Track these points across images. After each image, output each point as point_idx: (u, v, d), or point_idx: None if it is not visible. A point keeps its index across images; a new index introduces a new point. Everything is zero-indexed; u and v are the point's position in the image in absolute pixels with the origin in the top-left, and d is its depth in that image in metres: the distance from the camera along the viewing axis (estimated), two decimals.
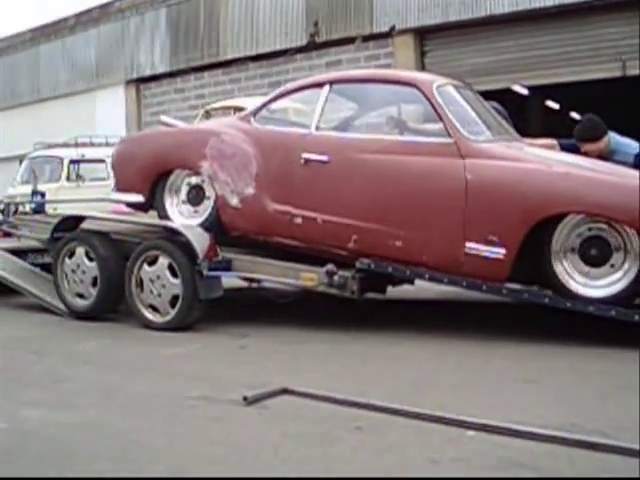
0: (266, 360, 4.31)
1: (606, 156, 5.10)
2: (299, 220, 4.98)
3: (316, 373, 3.93)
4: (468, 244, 4.43)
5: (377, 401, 3.22)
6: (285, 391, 3.48)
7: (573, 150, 5.28)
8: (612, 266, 4.25)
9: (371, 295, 5.11)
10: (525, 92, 13.82)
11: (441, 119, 4.69)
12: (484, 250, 4.39)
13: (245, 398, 3.34)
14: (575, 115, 18.94)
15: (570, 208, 4.26)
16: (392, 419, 3.08)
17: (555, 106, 17.13)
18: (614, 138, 5.18)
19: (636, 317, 4.13)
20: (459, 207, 4.47)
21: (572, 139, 5.41)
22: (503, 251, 4.35)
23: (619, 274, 4.23)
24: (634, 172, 4.49)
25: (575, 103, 16.38)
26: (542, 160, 4.51)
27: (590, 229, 4.29)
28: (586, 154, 5.10)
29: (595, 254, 4.27)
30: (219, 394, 3.52)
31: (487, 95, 6.20)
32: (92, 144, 11.93)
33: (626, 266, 4.21)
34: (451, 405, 3.16)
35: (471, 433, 2.88)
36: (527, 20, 11.06)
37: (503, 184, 4.39)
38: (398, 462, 2.62)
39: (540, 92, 14.26)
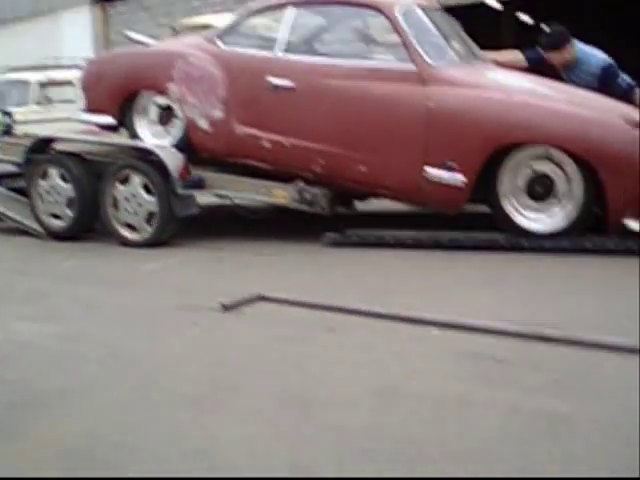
0: (242, 271, 4.49)
1: (572, 66, 5.18)
2: (267, 143, 5.08)
3: (290, 281, 4.12)
4: (429, 170, 4.57)
5: (348, 304, 3.42)
6: (261, 298, 3.66)
7: (538, 60, 5.38)
8: (558, 198, 4.40)
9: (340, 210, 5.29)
10: (498, 7, 13.76)
11: (404, 44, 4.75)
12: (444, 176, 4.53)
13: (223, 305, 3.52)
14: (546, 28, 18.89)
15: (526, 137, 4.38)
16: (362, 320, 3.28)
17: (528, 20, 17.05)
18: (580, 48, 5.24)
19: (588, 245, 4.32)
20: (420, 133, 4.58)
21: (535, 48, 5.47)
22: (462, 177, 4.49)
23: (566, 205, 4.39)
24: (592, 100, 4.61)
25: (549, 15, 16.32)
26: (502, 88, 4.62)
27: (534, 167, 4.42)
28: (552, 64, 5.19)
29: (541, 190, 4.42)
30: (198, 303, 3.69)
31: (453, 10, 6.23)
32: (59, 66, 11.74)
33: (571, 198, 4.36)
34: (417, 306, 3.37)
35: (435, 331, 3.09)
36: None
37: (463, 112, 4.50)
38: (367, 357, 2.83)
39: (512, 5, 14.18)
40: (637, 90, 5.09)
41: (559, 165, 4.38)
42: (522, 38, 15.55)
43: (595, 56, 5.19)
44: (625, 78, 5.15)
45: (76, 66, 10.96)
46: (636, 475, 1.63)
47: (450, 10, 6.04)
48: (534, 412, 2.30)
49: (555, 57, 5.19)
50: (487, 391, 2.48)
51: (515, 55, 5.53)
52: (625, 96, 5.00)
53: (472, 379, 2.58)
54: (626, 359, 2.70)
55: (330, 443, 2.16)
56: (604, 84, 5.06)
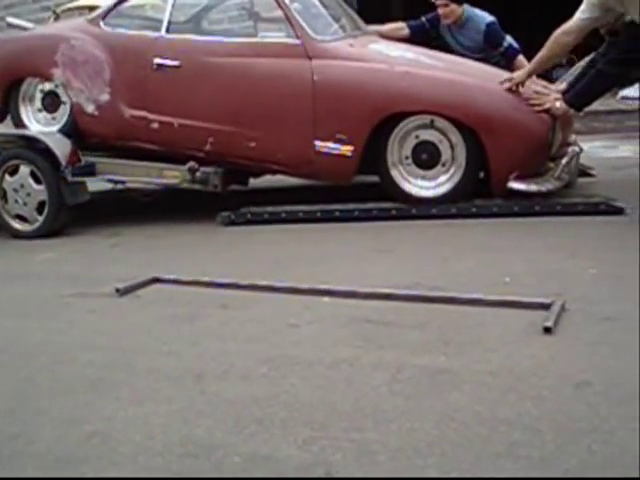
0: (137, 255, 4.48)
1: (460, 24, 5.40)
2: (156, 125, 5.04)
3: (186, 262, 4.13)
4: (318, 142, 4.64)
5: (241, 280, 3.47)
6: (155, 280, 3.67)
7: (422, 30, 5.58)
8: (444, 165, 4.56)
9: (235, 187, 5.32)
10: None
11: (288, 20, 4.79)
12: (333, 148, 4.61)
13: (117, 290, 3.52)
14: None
15: (409, 107, 4.50)
16: (254, 295, 3.35)
17: None
18: (467, 8, 5.46)
19: (473, 209, 4.50)
20: (308, 107, 4.64)
21: (419, 20, 5.65)
22: (350, 148, 4.58)
23: (451, 171, 4.55)
24: (473, 68, 4.81)
25: None
26: (385, 59, 4.73)
27: (419, 135, 4.55)
28: (444, 17, 5.39)
29: (427, 157, 4.56)
30: (93, 289, 3.67)
31: None
32: None
33: (456, 163, 4.52)
34: (311, 278, 3.45)
35: (327, 299, 3.18)
36: None
37: (348, 84, 4.59)
38: (260, 330, 2.91)
39: None
40: (520, 56, 5.34)
41: (443, 132, 4.53)
42: (411, 11, 15.85)
43: (482, 14, 5.44)
44: (512, 42, 5.40)
45: None
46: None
47: None
48: (420, 369, 2.42)
49: (446, 10, 5.36)
50: (375, 353, 2.59)
51: (398, 26, 5.69)
52: (507, 56, 5.33)
53: (361, 342, 2.68)
54: (504, 314, 2.86)
55: (224, 414, 2.22)
56: (488, 41, 5.34)
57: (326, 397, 2.29)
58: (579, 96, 4.53)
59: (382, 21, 5.89)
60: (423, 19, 5.64)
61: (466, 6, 5.43)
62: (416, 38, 5.66)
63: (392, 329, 2.80)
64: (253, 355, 2.64)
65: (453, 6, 5.35)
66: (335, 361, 2.53)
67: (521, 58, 5.31)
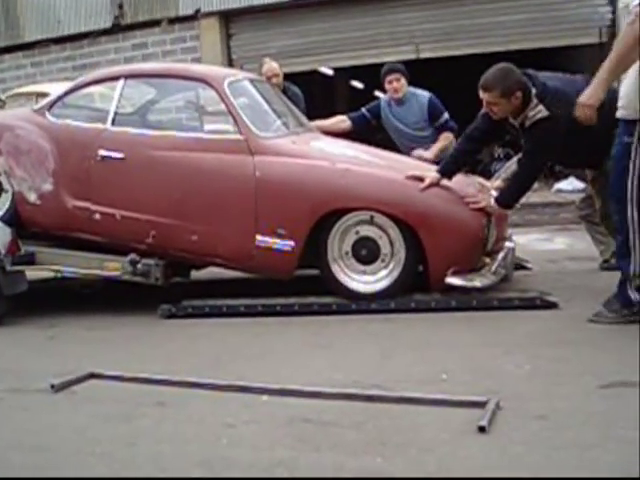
0: (75, 348, 4.39)
1: (402, 99, 5.74)
2: (98, 216, 5.05)
3: (124, 355, 4.08)
4: (259, 237, 4.70)
5: (179, 377, 3.44)
6: (92, 375, 3.60)
7: (363, 122, 5.90)
8: (383, 260, 4.65)
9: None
10: (330, 73, 14.41)
11: (232, 116, 4.89)
12: (273, 243, 4.68)
13: (52, 386, 3.44)
14: (379, 93, 19.89)
15: (349, 203, 4.61)
16: (193, 392, 3.31)
17: (360, 85, 17.92)
18: (410, 89, 5.80)
19: (412, 304, 4.59)
20: (250, 203, 4.72)
21: (359, 112, 5.90)
22: (291, 243, 4.65)
23: (391, 266, 4.63)
24: (410, 166, 4.99)
25: (377, 83, 17.19)
26: (326, 156, 4.86)
27: (359, 231, 4.65)
28: (395, 92, 5.72)
29: (367, 253, 4.65)
30: (27, 385, 3.59)
31: (290, 77, 6.54)
32: None
33: (395, 259, 4.62)
34: (249, 375, 3.44)
35: (265, 397, 3.17)
36: (329, 4, 11.54)
37: (289, 181, 4.69)
38: (196, 430, 2.86)
39: (345, 73, 14.89)
40: (448, 132, 5.59)
41: (383, 228, 4.63)
42: (356, 100, 16.37)
43: (420, 91, 5.83)
44: (448, 118, 5.77)
45: None
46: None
47: (288, 77, 6.35)
48: (357, 472, 2.41)
49: (398, 85, 5.68)
50: (313, 454, 2.57)
51: (340, 119, 5.91)
52: (442, 129, 5.70)
53: (299, 443, 2.67)
54: (441, 412, 2.89)
55: None
56: (431, 113, 5.71)
57: None
58: (507, 194, 4.72)
59: (327, 115, 6.11)
60: (363, 110, 5.95)
61: (409, 88, 5.81)
62: (358, 129, 5.90)
63: (330, 429, 2.79)
64: (189, 457, 2.60)
65: (403, 81, 5.72)
66: (272, 464, 2.51)
67: (447, 134, 5.64)
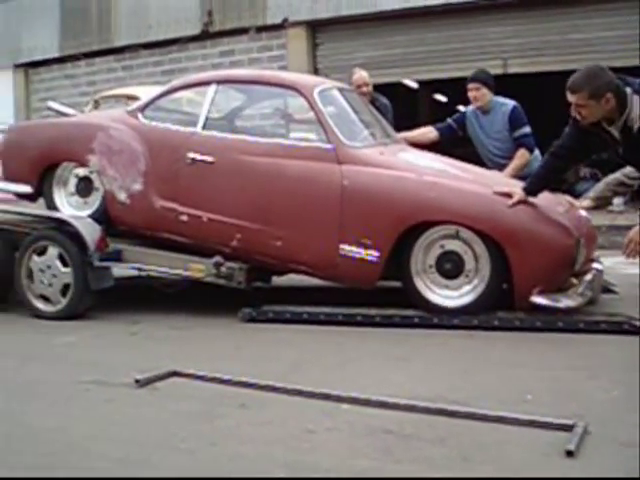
0: (157, 345, 4.48)
1: (487, 109, 5.62)
2: (185, 217, 5.13)
3: (205, 356, 4.13)
4: (343, 246, 4.70)
5: (260, 380, 3.46)
6: (174, 373, 3.67)
7: (449, 131, 5.80)
8: (467, 276, 4.58)
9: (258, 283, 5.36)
10: (415, 86, 14.35)
11: (321, 124, 4.92)
12: (358, 252, 4.66)
13: (137, 381, 3.52)
14: (461, 108, 19.72)
15: (436, 216, 4.57)
16: (274, 396, 3.32)
17: (443, 99, 17.80)
18: (495, 97, 5.68)
19: (495, 322, 4.51)
20: (335, 211, 4.72)
21: (446, 122, 5.84)
22: (375, 254, 4.63)
23: (475, 282, 4.57)
24: (498, 180, 4.91)
25: (462, 97, 17.03)
26: (414, 168, 4.83)
27: (444, 245, 4.60)
28: (474, 100, 5.62)
29: (451, 267, 4.59)
30: (111, 378, 3.67)
31: (377, 88, 6.54)
32: None
33: (480, 275, 4.55)
34: (330, 382, 3.43)
35: (345, 406, 3.16)
36: (416, 16, 11.51)
37: (376, 191, 4.67)
38: (278, 433, 2.88)
39: (429, 86, 14.82)
40: (523, 150, 5.49)
41: (468, 243, 4.57)
42: (438, 114, 16.26)
43: (506, 100, 5.69)
44: (528, 132, 5.57)
45: None
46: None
47: (374, 88, 6.36)
48: None
49: (478, 94, 5.57)
50: (394, 466, 2.55)
51: (427, 130, 5.86)
52: (517, 143, 5.52)
53: (380, 454, 2.65)
54: (525, 433, 2.82)
55: None
56: (511, 122, 5.55)
57: None
58: None
59: (410, 128, 6.08)
60: (449, 120, 5.88)
61: (495, 98, 5.68)
62: (445, 139, 5.85)
63: (412, 442, 2.76)
64: (271, 459, 2.61)
65: (484, 90, 5.60)
66: (352, 471, 2.50)
67: (523, 151, 5.47)
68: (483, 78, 5.70)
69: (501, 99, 5.70)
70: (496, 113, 5.62)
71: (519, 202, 4.52)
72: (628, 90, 4.09)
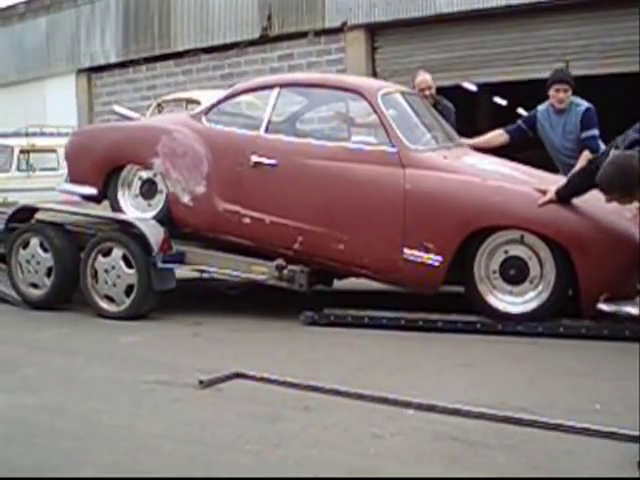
0: (219, 346, 4.52)
1: (565, 108, 5.47)
2: (247, 220, 5.17)
3: (267, 358, 4.15)
4: (406, 250, 4.67)
5: (324, 384, 3.46)
6: (238, 375, 3.70)
7: (520, 133, 5.68)
8: (532, 282, 4.51)
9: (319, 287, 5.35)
10: (474, 89, 14.20)
11: (384, 128, 4.90)
12: (421, 256, 4.63)
13: (201, 382, 3.56)
14: (522, 111, 19.46)
15: (500, 221, 4.51)
16: (338, 400, 3.33)
17: (502, 102, 17.58)
18: (572, 98, 5.54)
19: (561, 329, 4.43)
20: (398, 215, 4.70)
21: (516, 124, 5.76)
22: (439, 258, 4.60)
23: (539, 289, 4.49)
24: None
25: (521, 100, 16.81)
26: (478, 172, 4.77)
27: (508, 250, 4.54)
28: (560, 102, 5.45)
29: (515, 273, 4.52)
30: (176, 378, 3.72)
31: (438, 91, 6.49)
32: (43, 133, 11.88)
33: (545, 281, 4.47)
34: (393, 387, 3.42)
35: (410, 411, 3.14)
36: (476, 19, 11.36)
37: (440, 195, 4.64)
38: (343, 437, 2.87)
39: (488, 89, 14.66)
40: (587, 152, 5.30)
41: (532, 248, 4.50)
42: (498, 118, 16.08)
43: (581, 101, 5.54)
44: (596, 135, 5.40)
45: (59, 134, 11.13)
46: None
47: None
48: None
49: (564, 97, 5.45)
50: (461, 473, 2.52)
51: (497, 133, 5.78)
52: (583, 144, 5.35)
53: (447, 461, 2.62)
54: (595, 443, 2.76)
55: None
56: (582, 122, 5.41)
57: None
58: None
59: (469, 131, 6.00)
60: (519, 122, 5.78)
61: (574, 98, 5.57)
62: (514, 141, 5.75)
63: (478, 449, 2.73)
64: (336, 464, 2.61)
65: (570, 92, 5.48)
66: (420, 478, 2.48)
67: (586, 153, 5.31)
68: (570, 79, 5.59)
69: (577, 99, 5.59)
70: (570, 114, 5.50)
71: (549, 202, 4.42)
72: None
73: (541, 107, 5.66)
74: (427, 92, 6.04)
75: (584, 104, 5.52)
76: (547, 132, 5.58)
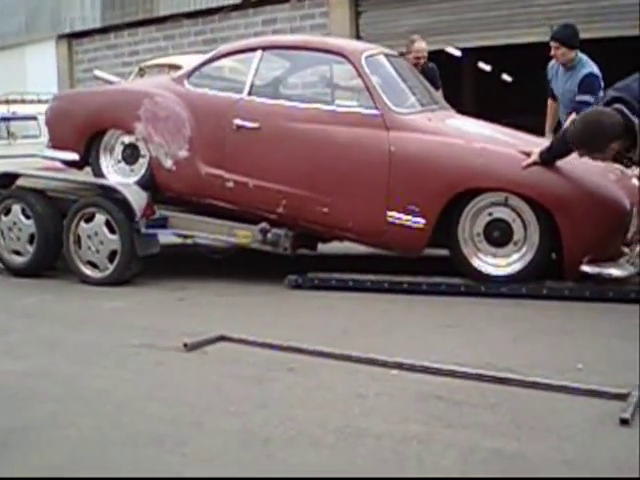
0: (204, 311, 4.51)
1: (570, 66, 5.50)
2: (231, 184, 5.14)
3: (252, 322, 4.15)
4: (390, 213, 4.67)
5: (308, 345, 3.46)
6: (223, 338, 3.70)
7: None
8: (516, 244, 4.52)
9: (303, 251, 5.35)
10: (458, 54, 14.12)
11: (368, 90, 4.86)
12: (405, 219, 4.62)
13: (185, 345, 3.55)
14: (506, 77, 19.41)
15: (484, 183, 4.51)
16: (322, 361, 3.33)
17: (487, 68, 17.52)
18: (584, 57, 5.54)
19: (544, 291, 4.45)
20: (382, 177, 4.69)
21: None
22: (422, 221, 4.59)
23: (523, 251, 4.51)
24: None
25: (505, 65, 16.77)
26: (462, 134, 4.76)
27: (491, 213, 4.54)
28: (555, 58, 5.55)
29: (498, 235, 4.54)
30: (160, 342, 3.71)
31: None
32: (23, 101, 11.72)
33: (528, 243, 4.49)
34: (377, 348, 3.41)
35: (394, 372, 3.15)
36: None
37: (424, 157, 4.62)
38: (327, 397, 2.88)
39: (473, 54, 14.58)
40: (574, 115, 5.29)
41: (517, 211, 4.50)
42: (482, 84, 16.02)
43: (591, 65, 5.51)
44: (587, 102, 5.24)
45: (40, 101, 10.98)
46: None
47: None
48: (493, 453, 2.36)
49: (558, 53, 5.49)
50: (446, 431, 2.54)
51: (549, 104, 5.91)
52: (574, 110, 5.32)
53: (431, 420, 2.64)
54: (578, 401, 2.79)
55: None
56: (579, 87, 5.44)
57: (396, 473, 2.25)
58: None
59: (453, 96, 5.99)
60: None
61: (581, 54, 5.54)
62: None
63: (463, 408, 2.74)
64: (321, 423, 2.62)
65: (564, 49, 5.48)
66: (405, 437, 2.49)
67: (574, 117, 5.27)
68: (561, 37, 5.53)
69: (587, 62, 5.52)
70: (575, 73, 5.49)
71: (534, 164, 4.42)
72: (637, 121, 3.97)
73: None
74: (422, 61, 6.05)
75: (588, 69, 5.48)
76: (553, 81, 5.66)
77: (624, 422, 2.55)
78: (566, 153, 4.39)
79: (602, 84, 5.44)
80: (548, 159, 4.43)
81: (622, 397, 2.76)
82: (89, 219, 5.35)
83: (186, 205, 5.48)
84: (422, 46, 6.17)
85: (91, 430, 2.65)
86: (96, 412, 2.82)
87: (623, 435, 2.48)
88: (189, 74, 5.51)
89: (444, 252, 4.81)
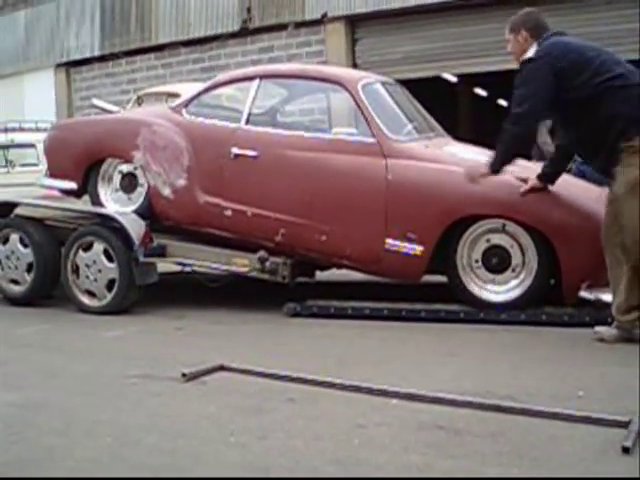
0: (202, 340, 4.50)
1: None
2: (229, 212, 5.16)
3: (251, 351, 4.14)
4: (388, 240, 4.68)
5: (308, 375, 3.45)
6: (221, 368, 3.68)
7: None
8: (514, 270, 4.54)
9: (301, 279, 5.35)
10: (454, 80, 14.23)
11: (365, 119, 4.90)
12: (403, 246, 4.64)
13: (184, 375, 3.53)
14: (502, 102, 19.52)
15: (482, 210, 4.53)
16: (322, 391, 3.32)
17: (483, 93, 17.63)
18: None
19: (543, 317, 4.46)
20: (380, 205, 4.71)
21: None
22: (421, 248, 4.60)
23: (522, 277, 4.53)
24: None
25: (502, 91, 16.84)
26: (459, 161, 4.78)
27: (490, 239, 4.57)
28: None
29: (496, 262, 4.55)
30: (158, 372, 3.69)
31: (414, 83, 6.49)
32: (22, 129, 11.74)
33: (527, 269, 4.51)
34: (376, 378, 3.40)
35: (394, 401, 3.13)
36: (456, 9, 11.37)
37: (422, 185, 4.65)
38: (327, 427, 2.86)
39: (469, 80, 14.68)
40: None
41: (514, 237, 4.51)
42: (479, 109, 16.10)
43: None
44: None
45: (38, 129, 11.02)
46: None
47: (410, 83, 6.31)
48: None
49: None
50: (447, 461, 2.52)
51: None
52: None
53: (432, 449, 2.62)
54: (579, 429, 2.77)
55: None
56: None
57: None
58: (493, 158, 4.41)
59: (450, 122, 6.00)
60: None
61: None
62: None
63: (463, 437, 2.72)
64: (320, 454, 2.60)
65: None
66: (406, 467, 2.47)
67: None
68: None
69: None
70: None
71: (531, 190, 4.43)
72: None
73: None
74: None
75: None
76: None
77: (625, 450, 2.53)
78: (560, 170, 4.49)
79: None
80: (548, 179, 4.44)
81: (623, 425, 2.75)
82: (87, 248, 5.36)
83: (185, 234, 5.47)
84: None
85: (89, 462, 2.62)
86: (94, 444, 2.79)
87: (624, 463, 2.46)
88: (187, 103, 5.55)
89: (443, 279, 4.81)
